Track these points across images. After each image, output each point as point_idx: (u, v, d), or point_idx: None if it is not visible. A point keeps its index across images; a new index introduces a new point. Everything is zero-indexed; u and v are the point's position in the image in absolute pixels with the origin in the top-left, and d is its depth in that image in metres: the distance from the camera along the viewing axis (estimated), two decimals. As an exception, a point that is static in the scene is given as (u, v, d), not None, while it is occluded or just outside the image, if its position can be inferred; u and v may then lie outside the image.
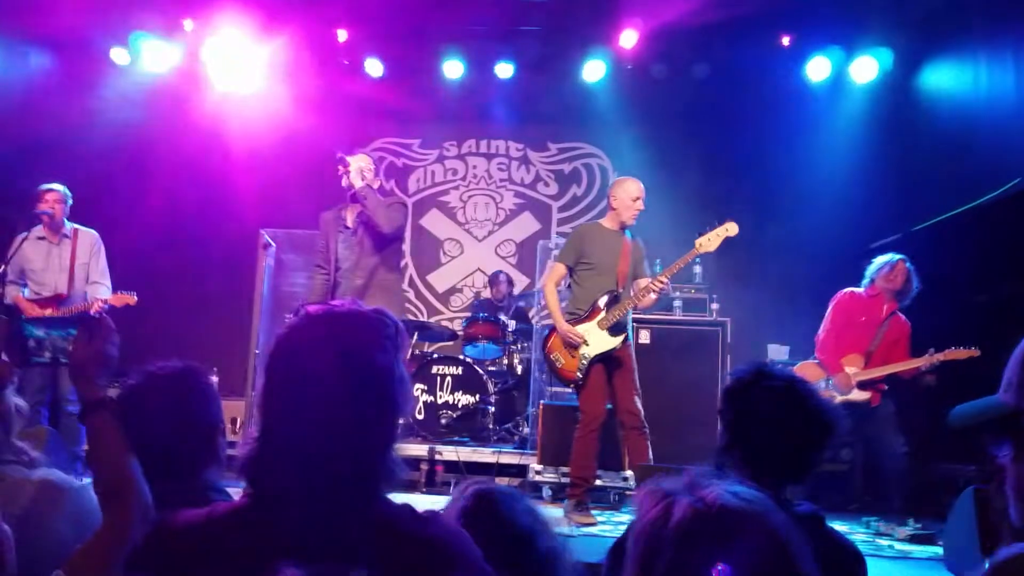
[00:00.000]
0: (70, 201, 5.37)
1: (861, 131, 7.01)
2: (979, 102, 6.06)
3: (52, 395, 5.13)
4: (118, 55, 7.52)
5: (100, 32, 7.34)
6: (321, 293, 4.73)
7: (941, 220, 5.88)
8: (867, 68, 7.10)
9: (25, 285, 5.20)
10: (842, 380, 4.88)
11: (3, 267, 4.97)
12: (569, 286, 4.90)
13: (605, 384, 4.64)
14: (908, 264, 4.99)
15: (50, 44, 7.40)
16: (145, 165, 7.42)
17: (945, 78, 6.70)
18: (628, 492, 5.09)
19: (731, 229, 4.54)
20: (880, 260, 5.04)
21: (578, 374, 4.64)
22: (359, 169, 4.63)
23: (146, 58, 7.44)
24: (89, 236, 5.39)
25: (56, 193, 5.27)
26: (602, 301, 4.65)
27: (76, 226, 5.38)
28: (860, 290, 5.11)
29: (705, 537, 0.98)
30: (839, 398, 4.85)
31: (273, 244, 6.34)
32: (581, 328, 4.65)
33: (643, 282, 4.69)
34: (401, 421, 1.34)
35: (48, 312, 5.06)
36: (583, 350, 4.63)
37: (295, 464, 1.23)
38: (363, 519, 1.23)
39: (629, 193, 4.73)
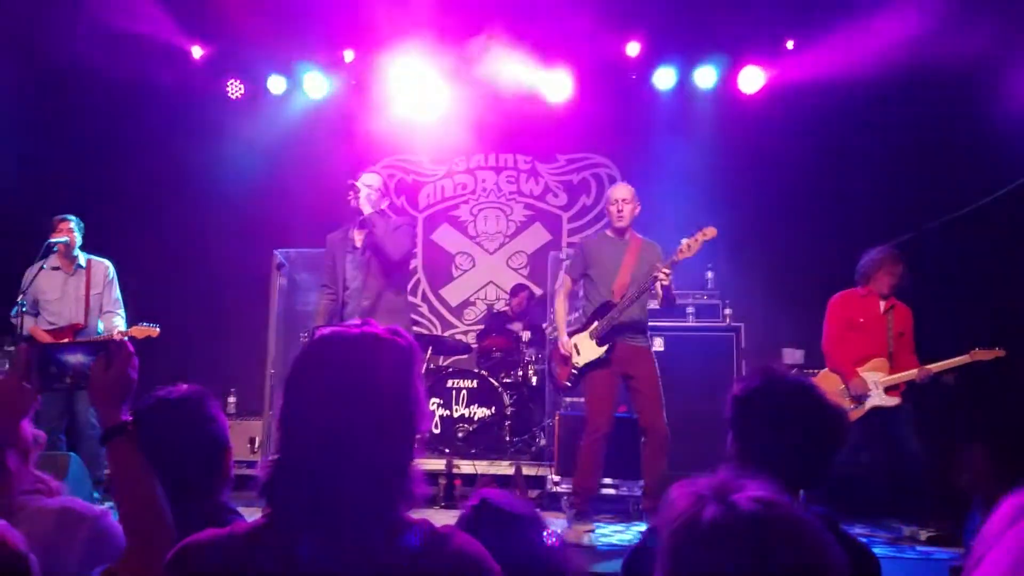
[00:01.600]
0: (82, 231, 5.43)
1: (872, 129, 6.98)
2: (993, 95, 6.03)
3: (70, 421, 5.17)
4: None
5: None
6: (328, 314, 4.74)
7: (956, 216, 5.85)
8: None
9: (38, 315, 5.25)
10: (858, 385, 4.84)
11: (20, 296, 5.03)
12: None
13: (610, 394, 4.69)
14: (901, 257, 4.98)
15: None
16: (157, 189, 7.50)
17: (955, 76, 6.66)
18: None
19: (708, 233, 4.57)
20: (874, 255, 5.00)
21: (566, 383, 4.82)
22: (368, 192, 4.62)
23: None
24: (102, 266, 5.43)
25: (69, 223, 5.33)
26: (596, 312, 4.74)
27: (90, 256, 5.44)
28: (850, 291, 5.08)
29: (732, 545, 1.00)
30: (861, 408, 4.80)
31: (286, 264, 6.39)
32: (576, 338, 4.77)
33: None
34: (418, 437, 1.35)
35: (65, 342, 5.12)
36: (574, 359, 4.73)
37: (315, 485, 1.25)
38: (383, 538, 1.25)
39: (609, 197, 4.90)
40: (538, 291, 7.64)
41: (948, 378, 4.91)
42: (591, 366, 4.68)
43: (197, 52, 7.52)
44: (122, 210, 7.19)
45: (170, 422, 1.87)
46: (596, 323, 4.70)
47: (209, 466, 1.89)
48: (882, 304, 4.97)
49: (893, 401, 4.82)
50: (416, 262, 8.23)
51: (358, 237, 4.72)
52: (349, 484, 1.24)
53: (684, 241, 4.58)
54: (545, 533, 1.57)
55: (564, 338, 4.80)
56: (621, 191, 4.87)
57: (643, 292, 4.60)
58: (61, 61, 6.99)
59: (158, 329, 5.20)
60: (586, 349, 4.71)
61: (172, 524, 1.62)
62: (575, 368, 4.72)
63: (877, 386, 4.84)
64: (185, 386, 1.96)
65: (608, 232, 4.95)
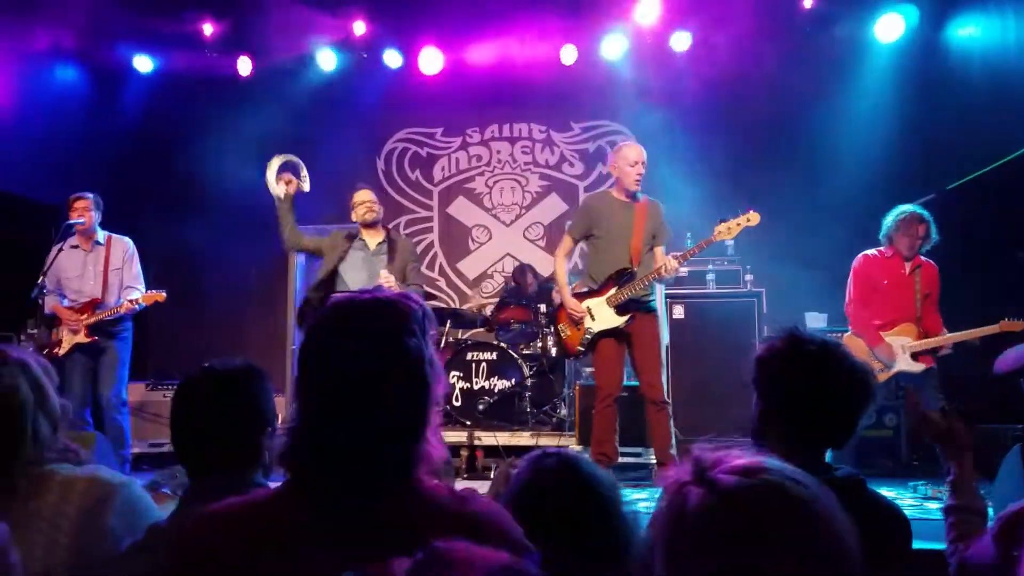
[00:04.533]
0: (101, 208, 5.44)
1: (890, 91, 6.85)
2: (1008, 54, 5.90)
3: (94, 400, 5.24)
4: (140, 63, 7.61)
5: (118, 39, 7.41)
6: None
7: (976, 176, 5.74)
8: (893, 26, 6.94)
9: (63, 296, 5.30)
10: (884, 351, 4.74)
11: (41, 278, 5.05)
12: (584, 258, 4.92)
13: (619, 358, 4.65)
14: (923, 212, 4.85)
15: (71, 57, 7.48)
16: (176, 169, 7.50)
17: (973, 31, 6.53)
18: (669, 469, 5.08)
19: (752, 219, 4.52)
20: (894, 215, 4.86)
21: (579, 347, 4.71)
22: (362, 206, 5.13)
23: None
24: (122, 243, 5.46)
25: (86, 201, 5.34)
26: (613, 278, 4.64)
27: (109, 233, 5.46)
28: (874, 252, 4.97)
29: (726, 527, 0.94)
30: (888, 372, 4.73)
31: (303, 241, 6.36)
32: (590, 302, 4.67)
33: (659, 259, 4.67)
34: (436, 407, 1.34)
35: (84, 317, 5.16)
36: (587, 324, 4.65)
37: (331, 450, 1.25)
38: (401, 501, 1.25)
39: (626, 159, 4.72)
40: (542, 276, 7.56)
41: (974, 341, 4.82)
42: (606, 333, 4.62)
43: (208, 29, 7.47)
44: (143, 193, 7.21)
45: (219, 390, 1.85)
46: (614, 289, 4.62)
47: (249, 440, 1.87)
48: (907, 265, 4.85)
49: (920, 367, 4.72)
50: (432, 236, 8.22)
51: (371, 240, 5.14)
52: (366, 449, 1.24)
53: (723, 224, 4.51)
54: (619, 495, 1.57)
55: (573, 301, 4.69)
56: (638, 152, 4.74)
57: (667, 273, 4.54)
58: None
59: (164, 294, 5.29)
60: (603, 316, 4.63)
61: None
62: (588, 333, 4.64)
63: (904, 351, 4.75)
64: (240, 360, 1.94)
65: (615, 193, 4.81)
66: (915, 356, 4.73)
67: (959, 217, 5.52)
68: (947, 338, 4.72)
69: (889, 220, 4.88)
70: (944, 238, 4.89)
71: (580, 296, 4.73)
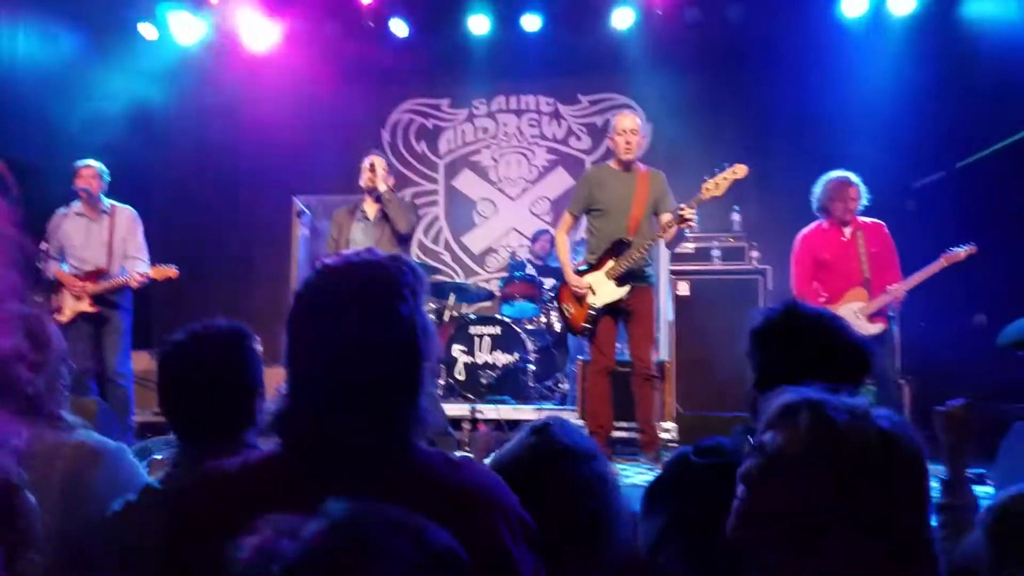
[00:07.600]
0: (107, 177, 5.40)
1: (901, 67, 6.76)
2: (1021, 30, 5.81)
3: (98, 367, 5.24)
4: (146, 30, 7.54)
5: (128, 7, 7.35)
6: None
7: (987, 154, 5.67)
8: (905, 0, 6.83)
9: (64, 261, 5.28)
10: None
11: (44, 244, 5.04)
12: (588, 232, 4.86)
13: (614, 331, 4.62)
14: (850, 174, 4.71)
15: (79, 22, 7.41)
16: (177, 138, 7.48)
17: (988, 6, 6.43)
18: (670, 444, 5.05)
19: (739, 171, 4.38)
20: (822, 184, 4.74)
21: (585, 324, 4.63)
22: (382, 173, 4.93)
23: (174, 31, 7.44)
24: (127, 212, 5.42)
25: (92, 169, 5.30)
26: (611, 251, 4.58)
27: (114, 202, 5.43)
28: (810, 228, 4.83)
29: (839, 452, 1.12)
30: None
31: (307, 212, 6.36)
32: (590, 278, 4.62)
33: (665, 217, 4.58)
34: (430, 371, 1.32)
35: (88, 286, 5.15)
36: (590, 299, 4.60)
37: (323, 416, 1.24)
38: (394, 466, 1.24)
39: (617, 127, 4.63)
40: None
41: (980, 318, 4.77)
42: (608, 308, 4.57)
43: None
44: (142, 161, 7.18)
45: (206, 355, 1.83)
46: (611, 262, 4.56)
47: (238, 404, 1.85)
48: (846, 231, 4.73)
49: (877, 328, 4.59)
50: (438, 209, 8.19)
51: (370, 210, 4.99)
52: (358, 416, 1.23)
53: (710, 180, 4.40)
54: (599, 467, 1.55)
55: (575, 278, 4.63)
56: (629, 121, 4.63)
57: (667, 233, 4.49)
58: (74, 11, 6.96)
59: (176, 270, 5.22)
60: (604, 290, 4.57)
61: None
62: (592, 309, 4.59)
63: (858, 316, 4.65)
64: (225, 322, 1.91)
65: (612, 164, 4.73)
66: (870, 318, 4.62)
67: (969, 195, 5.46)
68: (894, 289, 4.57)
69: (818, 190, 4.76)
70: (953, 218, 4.83)
71: (581, 273, 4.68)
